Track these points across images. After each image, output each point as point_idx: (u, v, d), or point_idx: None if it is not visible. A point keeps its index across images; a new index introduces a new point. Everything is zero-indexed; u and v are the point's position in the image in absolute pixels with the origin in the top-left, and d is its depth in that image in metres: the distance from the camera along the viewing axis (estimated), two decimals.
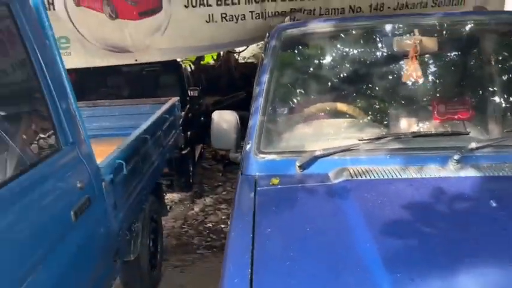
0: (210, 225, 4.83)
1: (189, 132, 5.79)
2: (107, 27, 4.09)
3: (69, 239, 1.69)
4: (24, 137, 1.69)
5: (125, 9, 4.05)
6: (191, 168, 6.04)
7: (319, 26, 2.31)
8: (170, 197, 5.73)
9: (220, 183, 6.11)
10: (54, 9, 3.99)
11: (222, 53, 10.67)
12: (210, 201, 5.54)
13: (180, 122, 4.90)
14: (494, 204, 1.57)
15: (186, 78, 7.20)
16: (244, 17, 4.19)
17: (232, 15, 4.19)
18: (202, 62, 11.34)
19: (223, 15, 4.16)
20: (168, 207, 5.51)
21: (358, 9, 4.28)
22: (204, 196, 5.72)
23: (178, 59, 7.27)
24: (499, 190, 1.68)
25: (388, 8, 4.23)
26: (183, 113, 5.37)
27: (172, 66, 6.55)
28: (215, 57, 11.60)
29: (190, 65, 9.37)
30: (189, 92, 6.57)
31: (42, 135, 1.78)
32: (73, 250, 1.72)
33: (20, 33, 1.72)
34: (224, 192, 5.75)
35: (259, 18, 4.22)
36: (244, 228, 1.49)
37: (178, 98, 4.53)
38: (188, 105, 6.14)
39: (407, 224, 1.49)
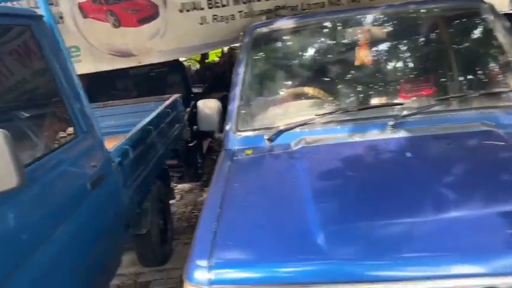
0: None
1: (195, 127, 6.24)
2: (111, 34, 4.58)
3: (87, 203, 2.19)
4: (49, 127, 2.18)
5: (126, 17, 4.54)
6: (199, 160, 6.49)
7: (284, 24, 2.75)
8: (181, 187, 6.20)
9: None
10: (63, 22, 4.51)
11: (226, 50, 11.11)
12: None
13: (186, 118, 5.35)
14: (419, 157, 1.99)
15: (190, 77, 7.63)
16: (234, 17, 4.63)
17: (222, 16, 4.63)
18: (207, 60, 11.80)
19: (215, 17, 4.61)
20: (179, 195, 6.01)
21: (337, 2, 4.66)
22: None
23: (182, 59, 7.77)
24: (424, 146, 2.09)
25: None
26: (188, 109, 5.83)
27: (176, 66, 7.02)
28: (219, 54, 12.04)
29: (195, 64, 9.85)
30: (193, 90, 7.04)
31: (62, 126, 2.27)
32: (91, 213, 2.21)
33: (39, 47, 2.20)
34: None
35: (247, 17, 4.65)
36: (219, 185, 1.95)
37: (180, 94, 4.97)
38: (193, 102, 6.59)
39: (346, 173, 1.93)
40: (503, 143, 1.96)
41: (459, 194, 1.63)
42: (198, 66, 9.58)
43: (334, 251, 1.40)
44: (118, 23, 4.57)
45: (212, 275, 1.40)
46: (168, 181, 4.27)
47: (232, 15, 4.63)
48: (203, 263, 1.43)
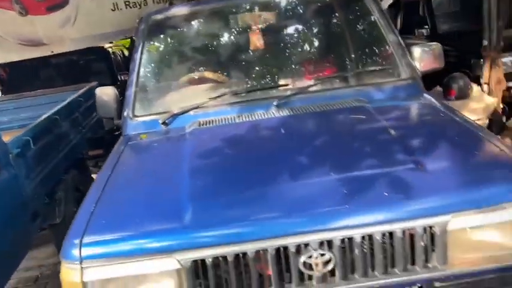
0: None
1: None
2: (18, 23, 4.44)
3: None
4: None
5: (33, 5, 4.41)
6: None
7: (179, 10, 2.83)
8: None
9: None
10: None
11: None
12: None
13: None
14: (295, 132, 2.17)
15: (117, 64, 7.47)
16: (147, 3, 4.64)
17: (135, 2, 4.63)
18: None
19: (127, 3, 4.60)
20: None
21: None
22: None
23: (106, 46, 7.60)
24: (302, 122, 2.27)
25: None
26: None
27: (100, 54, 6.89)
28: None
29: (122, 51, 9.64)
30: (120, 77, 6.94)
31: None
32: None
33: None
34: None
35: (160, 2, 4.67)
36: (108, 168, 2.02)
37: (97, 82, 4.90)
38: (119, 90, 6.50)
39: (227, 151, 2.06)
40: (368, 117, 2.18)
41: (326, 160, 1.79)
42: (125, 52, 9.40)
43: (197, 220, 1.53)
44: (25, 11, 4.43)
45: (83, 251, 1.50)
46: (85, 170, 4.25)
47: (145, 0, 4.64)
48: (76, 241, 1.53)
